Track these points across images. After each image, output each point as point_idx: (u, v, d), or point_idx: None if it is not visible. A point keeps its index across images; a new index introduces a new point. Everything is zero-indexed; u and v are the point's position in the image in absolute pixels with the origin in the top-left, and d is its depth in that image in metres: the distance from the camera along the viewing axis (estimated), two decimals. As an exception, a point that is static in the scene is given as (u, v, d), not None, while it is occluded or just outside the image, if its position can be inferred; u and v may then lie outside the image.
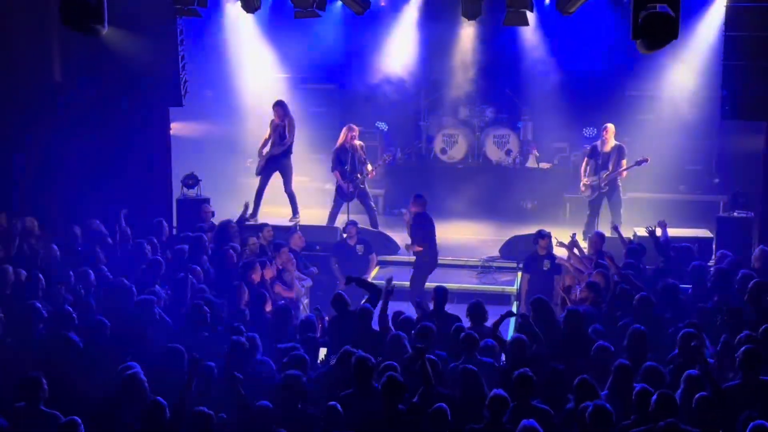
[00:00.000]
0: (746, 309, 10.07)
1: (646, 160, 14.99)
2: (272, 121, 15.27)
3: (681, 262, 11.99)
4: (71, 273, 10.90)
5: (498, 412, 7.50)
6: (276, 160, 15.23)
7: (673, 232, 13.43)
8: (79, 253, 11.98)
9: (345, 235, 14.25)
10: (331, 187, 16.39)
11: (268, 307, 10.85)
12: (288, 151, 15.27)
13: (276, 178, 15.45)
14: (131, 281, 10.71)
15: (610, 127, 15.23)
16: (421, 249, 13.26)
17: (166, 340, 9.08)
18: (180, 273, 11.13)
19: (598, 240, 12.80)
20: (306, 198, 17.33)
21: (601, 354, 8.64)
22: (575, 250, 12.56)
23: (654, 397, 7.32)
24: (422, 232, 13.37)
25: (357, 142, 15.56)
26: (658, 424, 7.03)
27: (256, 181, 15.49)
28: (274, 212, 15.80)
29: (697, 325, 9.26)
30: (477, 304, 10.21)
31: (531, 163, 18.43)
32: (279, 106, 15.22)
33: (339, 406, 7.66)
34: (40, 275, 10.53)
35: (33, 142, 14.24)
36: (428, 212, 13.49)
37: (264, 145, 15.33)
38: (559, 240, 12.70)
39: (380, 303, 10.20)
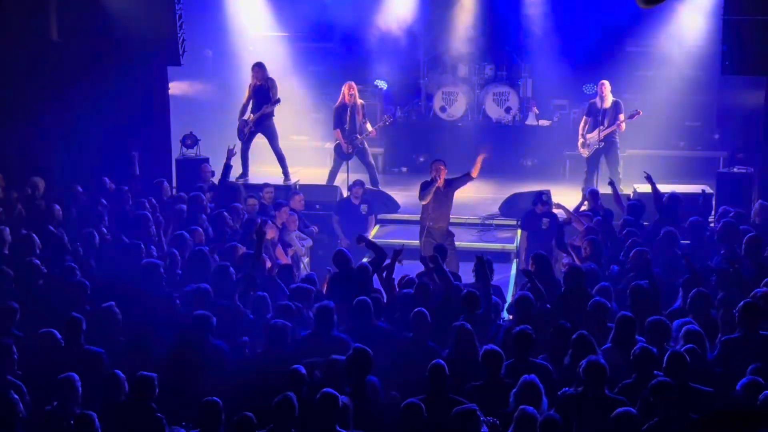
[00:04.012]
0: (745, 263, 10.10)
1: (638, 113, 14.94)
2: (251, 84, 15.11)
3: (675, 214, 12.02)
4: (63, 232, 10.95)
5: (493, 367, 7.52)
6: (260, 122, 15.13)
7: (674, 188, 13.42)
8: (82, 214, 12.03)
9: (349, 194, 14.20)
10: (330, 146, 16.35)
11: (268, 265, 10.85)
12: (272, 112, 15.20)
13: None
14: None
15: (607, 83, 15.17)
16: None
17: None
18: (179, 232, 11.17)
19: (590, 198, 12.85)
20: (305, 157, 17.33)
21: (597, 310, 8.65)
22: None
23: (666, 356, 7.33)
24: None
25: (358, 101, 15.50)
26: (650, 383, 7.02)
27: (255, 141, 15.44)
28: (267, 171, 15.76)
29: (698, 280, 9.26)
30: (482, 260, 10.15)
31: (531, 120, 18.38)
32: (258, 67, 15.06)
33: None
34: (63, 233, 10.60)
35: (29, 101, 14.18)
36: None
37: (244, 109, 15.21)
38: (557, 202, 12.72)
39: (384, 265, 10.23)
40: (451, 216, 12.75)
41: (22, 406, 6.96)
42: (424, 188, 12.49)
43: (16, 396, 6.97)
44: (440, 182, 12.38)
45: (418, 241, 12.87)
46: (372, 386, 7.54)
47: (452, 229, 12.95)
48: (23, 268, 9.67)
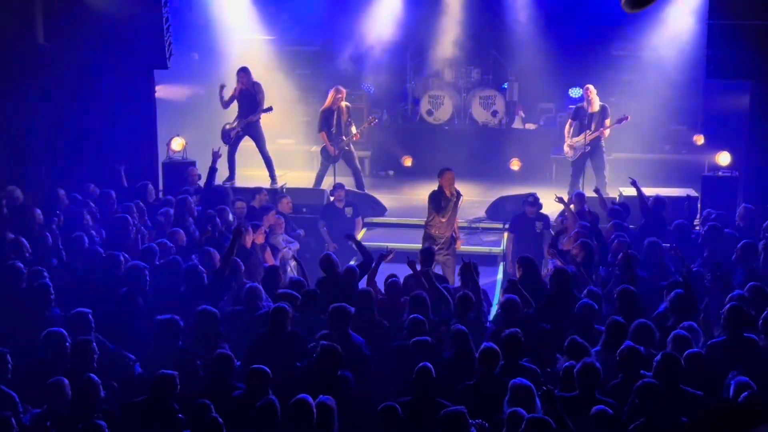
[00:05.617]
0: (735, 269, 10.16)
1: (627, 118, 14.99)
2: (236, 88, 15.02)
3: (660, 218, 12.07)
4: (48, 235, 10.92)
5: (490, 365, 7.56)
6: (247, 126, 15.10)
7: (659, 191, 13.49)
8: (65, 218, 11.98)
9: (333, 198, 14.24)
10: (317, 150, 16.37)
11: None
12: (259, 116, 15.18)
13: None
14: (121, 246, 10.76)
15: (591, 87, 15.20)
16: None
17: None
18: (162, 237, 11.19)
19: (576, 201, 12.90)
20: (292, 160, 17.33)
21: (584, 312, 8.68)
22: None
23: (657, 357, 7.36)
24: None
25: (344, 104, 15.51)
26: (637, 383, 7.04)
27: (241, 144, 15.43)
28: (253, 175, 15.77)
29: (684, 284, 9.29)
30: (468, 264, 10.15)
31: (517, 124, 18.43)
32: (243, 71, 15.00)
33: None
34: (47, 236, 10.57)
35: (15, 105, 14.13)
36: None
37: (226, 105, 15.05)
38: (559, 196, 12.72)
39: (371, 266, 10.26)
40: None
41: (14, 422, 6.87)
42: (437, 203, 12.22)
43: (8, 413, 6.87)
44: (450, 191, 12.20)
45: (404, 245, 12.87)
46: (345, 381, 7.60)
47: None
48: (6, 271, 9.64)
